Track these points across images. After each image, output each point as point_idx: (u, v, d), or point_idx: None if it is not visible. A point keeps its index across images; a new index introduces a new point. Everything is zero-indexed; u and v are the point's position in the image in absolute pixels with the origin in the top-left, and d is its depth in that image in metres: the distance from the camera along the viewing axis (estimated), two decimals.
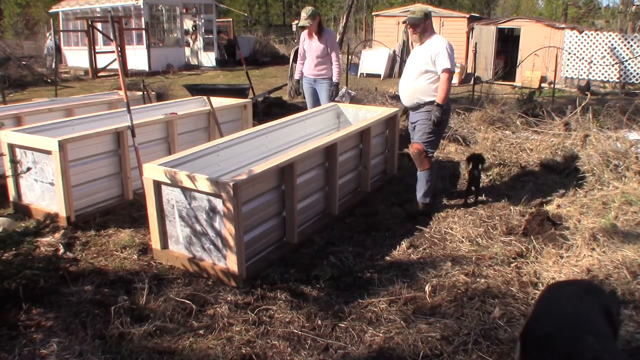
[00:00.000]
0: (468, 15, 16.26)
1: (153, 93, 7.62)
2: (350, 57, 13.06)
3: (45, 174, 4.30)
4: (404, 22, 4.53)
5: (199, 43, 20.25)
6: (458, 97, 10.36)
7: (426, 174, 4.46)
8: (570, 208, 4.45)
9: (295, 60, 7.37)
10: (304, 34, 6.10)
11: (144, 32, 17.83)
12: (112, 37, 11.24)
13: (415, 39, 4.37)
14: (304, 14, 5.90)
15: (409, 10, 4.47)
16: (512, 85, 13.97)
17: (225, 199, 3.18)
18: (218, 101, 6.05)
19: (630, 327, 2.83)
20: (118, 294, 3.15)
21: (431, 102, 4.27)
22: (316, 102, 6.24)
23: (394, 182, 5.46)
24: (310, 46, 6.03)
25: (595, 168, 5.15)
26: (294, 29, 25.29)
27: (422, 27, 4.28)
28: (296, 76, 6.42)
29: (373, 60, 16.20)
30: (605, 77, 13.58)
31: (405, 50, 16.38)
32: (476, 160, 4.81)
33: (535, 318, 2.06)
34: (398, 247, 3.89)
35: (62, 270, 3.36)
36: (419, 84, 4.31)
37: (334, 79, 6.06)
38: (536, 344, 1.94)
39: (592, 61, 13.49)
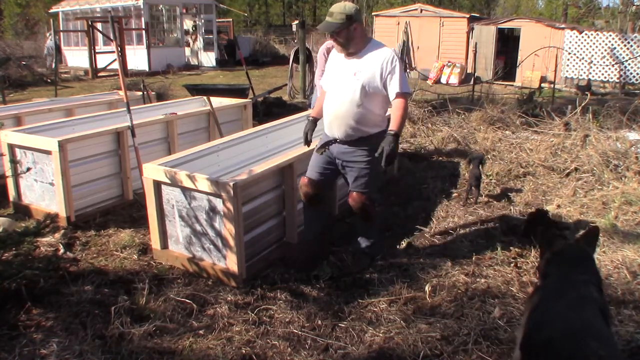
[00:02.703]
0: (468, 15, 16.26)
1: (153, 93, 7.63)
2: None
3: (45, 174, 4.30)
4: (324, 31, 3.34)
5: (199, 43, 20.25)
6: (458, 97, 10.36)
7: (375, 223, 3.64)
8: (570, 208, 4.46)
9: (295, 60, 7.34)
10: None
11: (144, 32, 17.83)
12: (112, 37, 11.25)
13: (339, 50, 3.30)
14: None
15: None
16: (511, 85, 13.96)
17: (225, 199, 3.18)
18: (218, 101, 6.06)
19: (630, 327, 2.83)
20: (118, 294, 3.15)
21: (378, 134, 3.23)
22: None
23: (394, 182, 5.46)
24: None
25: (595, 168, 5.16)
26: (294, 29, 25.30)
27: (345, 34, 3.15)
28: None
29: None
30: (605, 77, 13.58)
31: (406, 50, 16.39)
32: (476, 160, 4.82)
33: (535, 326, 2.05)
34: (398, 247, 3.89)
35: (62, 270, 3.36)
36: (361, 110, 3.21)
37: None
38: (538, 351, 1.93)
39: (592, 61, 13.49)
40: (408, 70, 16.24)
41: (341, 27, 3.11)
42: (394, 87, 3.13)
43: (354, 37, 3.16)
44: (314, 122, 3.57)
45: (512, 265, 3.57)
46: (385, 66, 3.13)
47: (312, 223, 3.67)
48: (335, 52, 3.40)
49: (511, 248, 3.82)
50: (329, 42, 6.11)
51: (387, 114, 3.40)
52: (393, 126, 3.10)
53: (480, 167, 4.83)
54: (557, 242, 2.42)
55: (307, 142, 3.54)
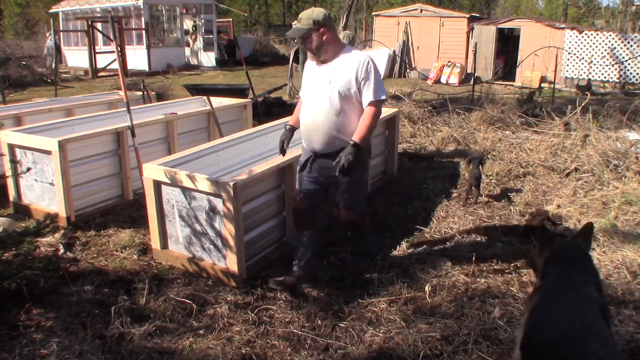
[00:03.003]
0: (468, 15, 16.25)
1: (153, 93, 7.63)
2: None
3: (45, 174, 4.30)
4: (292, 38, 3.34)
5: (199, 43, 20.25)
6: (458, 97, 10.36)
7: (365, 234, 3.53)
8: (570, 208, 4.45)
9: (295, 60, 7.33)
10: None
11: (144, 32, 17.83)
12: (112, 37, 11.25)
13: (311, 57, 3.17)
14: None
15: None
16: (511, 85, 13.96)
17: (225, 199, 3.18)
18: (218, 101, 6.05)
19: (630, 327, 2.83)
20: (118, 294, 3.15)
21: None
22: None
23: (393, 182, 5.46)
24: None
25: (595, 168, 5.16)
26: None
27: (313, 40, 3.03)
28: None
29: None
30: (605, 77, 13.58)
31: (406, 50, 16.39)
32: (476, 160, 4.82)
33: (535, 326, 2.05)
34: (398, 247, 3.89)
35: (62, 270, 3.36)
36: (340, 119, 3.07)
37: None
38: (538, 351, 1.93)
39: (592, 61, 13.49)
40: (408, 70, 16.24)
41: (308, 33, 3.01)
42: (367, 95, 3.04)
43: (323, 43, 3.04)
44: (292, 130, 3.40)
45: (512, 265, 3.56)
46: (360, 71, 3.02)
47: (304, 250, 3.32)
48: (309, 61, 3.26)
49: (511, 248, 3.82)
50: None
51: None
52: (356, 136, 3.02)
53: (480, 167, 4.83)
54: (555, 240, 2.42)
55: (283, 151, 3.38)
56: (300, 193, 3.30)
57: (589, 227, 2.40)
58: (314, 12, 3.05)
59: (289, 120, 3.56)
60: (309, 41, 3.05)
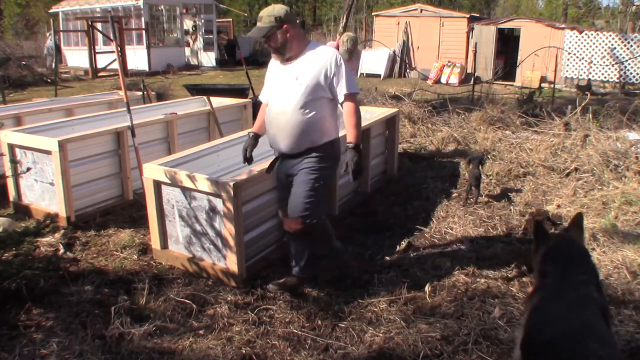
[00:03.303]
0: (468, 16, 16.26)
1: (153, 93, 7.63)
2: None
3: (45, 174, 4.30)
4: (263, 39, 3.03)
5: (199, 43, 20.25)
6: (458, 97, 10.36)
7: (321, 237, 3.26)
8: (570, 208, 4.46)
9: None
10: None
11: (144, 32, 17.82)
12: (112, 37, 11.25)
13: (276, 57, 3.06)
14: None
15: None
16: (511, 85, 13.96)
17: (225, 199, 3.18)
18: (218, 101, 6.05)
19: (630, 327, 2.83)
20: (118, 294, 3.15)
21: (328, 144, 3.02)
22: None
23: (393, 182, 5.47)
24: None
25: (595, 168, 5.16)
26: None
27: (277, 38, 2.93)
28: None
29: (373, 61, 16.20)
30: (605, 77, 13.58)
31: (406, 50, 16.39)
32: (476, 160, 4.82)
33: (536, 327, 2.05)
34: (398, 247, 3.89)
35: (62, 270, 3.36)
36: (307, 117, 2.93)
37: None
38: (538, 351, 1.94)
39: (592, 61, 13.49)
40: (408, 70, 16.24)
41: (271, 30, 2.91)
42: (340, 90, 2.91)
43: (287, 40, 2.93)
44: (255, 138, 3.29)
45: (512, 265, 3.56)
46: (330, 66, 2.90)
47: (302, 250, 3.20)
48: (272, 61, 3.16)
49: (511, 248, 3.83)
50: (332, 43, 6.15)
51: (339, 120, 3.15)
52: (350, 137, 2.93)
53: (480, 167, 4.84)
54: (551, 235, 2.42)
55: (246, 159, 3.25)
56: (280, 202, 3.26)
57: (579, 217, 2.39)
58: (275, 9, 2.94)
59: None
60: (273, 39, 2.94)
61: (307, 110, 2.93)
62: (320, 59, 2.93)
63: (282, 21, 2.90)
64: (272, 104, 3.09)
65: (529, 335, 2.02)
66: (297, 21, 3.18)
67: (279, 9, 2.95)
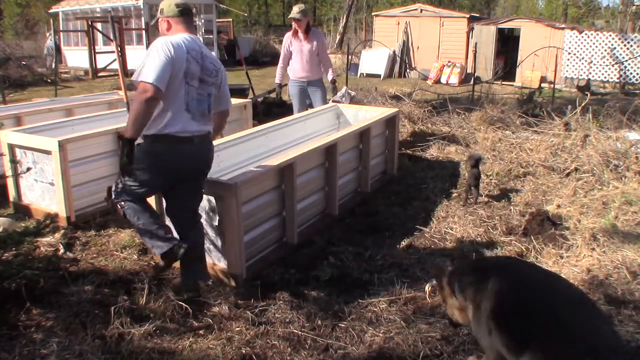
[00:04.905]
0: (468, 15, 16.25)
1: None
2: (350, 57, 13.06)
3: (45, 174, 4.30)
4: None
5: None
6: (458, 97, 10.36)
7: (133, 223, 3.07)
8: (570, 208, 4.45)
9: None
10: (288, 35, 6.06)
11: (144, 32, 17.81)
12: (112, 37, 11.23)
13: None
14: (296, 8, 5.87)
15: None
16: (511, 85, 13.96)
17: (225, 199, 3.18)
18: None
19: (630, 327, 2.82)
20: (118, 294, 3.15)
21: (144, 139, 2.88)
22: (303, 104, 6.17)
23: (394, 182, 5.47)
24: (299, 47, 5.96)
25: (595, 168, 5.15)
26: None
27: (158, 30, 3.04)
28: (277, 80, 6.30)
29: (373, 61, 16.20)
30: (605, 77, 13.57)
31: (406, 50, 16.38)
32: (473, 160, 4.82)
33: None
34: (398, 247, 3.89)
35: (62, 270, 3.36)
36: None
37: (330, 76, 6.09)
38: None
39: (592, 61, 13.49)
40: (408, 70, 16.24)
41: (155, 24, 2.96)
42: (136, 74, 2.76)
43: (159, 33, 2.99)
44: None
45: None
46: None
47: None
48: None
49: (511, 248, 3.83)
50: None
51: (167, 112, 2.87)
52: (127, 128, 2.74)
53: (479, 167, 4.84)
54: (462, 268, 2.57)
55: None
56: None
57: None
58: (162, 4, 3.03)
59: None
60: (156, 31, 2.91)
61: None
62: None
63: (161, 13, 2.99)
64: None
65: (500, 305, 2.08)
66: None
67: (162, 3, 3.01)
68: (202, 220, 3.38)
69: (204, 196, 3.30)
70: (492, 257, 3.52)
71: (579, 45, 13.67)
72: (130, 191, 2.95)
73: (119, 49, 10.88)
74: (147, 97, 2.66)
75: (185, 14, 3.01)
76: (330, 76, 6.09)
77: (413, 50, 16.48)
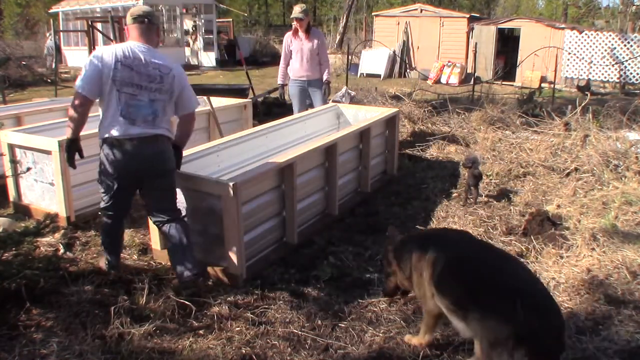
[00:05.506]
0: (468, 15, 16.25)
1: None
2: (350, 57, 13.06)
3: (45, 174, 4.30)
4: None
5: (199, 43, 20.24)
6: (458, 97, 10.36)
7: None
8: (570, 208, 4.45)
9: None
10: (289, 35, 6.08)
11: None
12: (112, 37, 11.25)
13: None
14: (298, 8, 5.91)
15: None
16: (511, 85, 13.95)
17: (225, 199, 3.18)
18: (218, 101, 6.05)
19: (630, 327, 2.82)
20: (118, 294, 3.15)
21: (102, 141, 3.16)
22: (303, 104, 6.18)
23: (394, 182, 5.47)
24: (299, 47, 5.98)
25: (595, 168, 5.15)
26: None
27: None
28: (280, 80, 6.31)
29: (373, 61, 16.20)
30: (605, 77, 13.58)
31: (406, 50, 16.39)
32: (470, 160, 4.81)
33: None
34: None
35: (62, 270, 3.36)
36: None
37: (325, 77, 6.09)
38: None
39: (592, 61, 13.49)
40: (408, 70, 16.24)
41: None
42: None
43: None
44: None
45: None
46: None
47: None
48: None
49: (511, 248, 3.83)
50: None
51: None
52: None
53: (479, 167, 4.83)
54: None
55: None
56: None
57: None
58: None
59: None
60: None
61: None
62: None
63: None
64: None
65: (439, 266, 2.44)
66: None
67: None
68: (202, 220, 3.39)
69: (204, 196, 3.30)
70: (430, 230, 4.12)
71: (579, 45, 13.67)
72: (102, 200, 3.25)
73: None
74: (74, 103, 3.00)
75: (139, 22, 3.14)
76: (325, 76, 6.10)
77: (413, 50, 16.49)
